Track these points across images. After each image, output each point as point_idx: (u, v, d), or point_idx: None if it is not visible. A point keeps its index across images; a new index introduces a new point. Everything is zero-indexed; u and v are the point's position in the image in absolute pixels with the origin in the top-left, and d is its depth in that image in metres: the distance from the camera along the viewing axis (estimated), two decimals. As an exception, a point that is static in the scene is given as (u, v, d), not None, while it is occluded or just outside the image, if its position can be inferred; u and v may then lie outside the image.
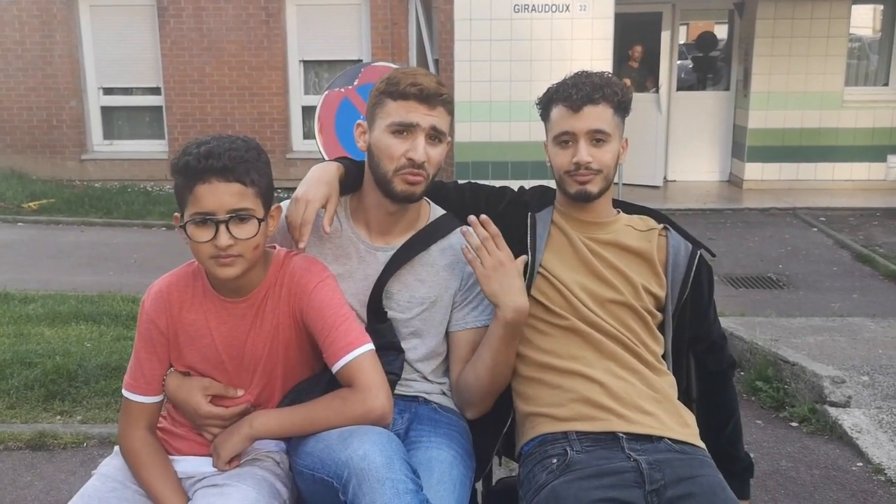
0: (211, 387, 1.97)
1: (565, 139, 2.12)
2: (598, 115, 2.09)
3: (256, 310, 1.95)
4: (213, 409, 1.95)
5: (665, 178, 10.80)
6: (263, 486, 1.87)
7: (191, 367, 1.99)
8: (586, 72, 2.16)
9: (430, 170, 2.00)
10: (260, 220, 1.85)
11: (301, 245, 1.98)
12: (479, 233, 1.98)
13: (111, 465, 2.01)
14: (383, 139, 1.99)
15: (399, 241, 2.10)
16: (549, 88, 2.18)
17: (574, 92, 2.10)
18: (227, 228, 1.80)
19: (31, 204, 9.58)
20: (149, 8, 10.80)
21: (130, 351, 4.10)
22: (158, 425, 2.05)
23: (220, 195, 1.79)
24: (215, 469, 1.92)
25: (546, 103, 2.18)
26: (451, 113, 2.04)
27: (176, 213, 1.90)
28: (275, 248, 2.01)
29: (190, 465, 1.99)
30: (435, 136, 2.00)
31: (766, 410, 4.15)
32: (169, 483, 1.93)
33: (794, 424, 3.99)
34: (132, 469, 1.96)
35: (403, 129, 1.97)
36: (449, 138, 2.07)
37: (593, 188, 2.12)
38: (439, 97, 1.99)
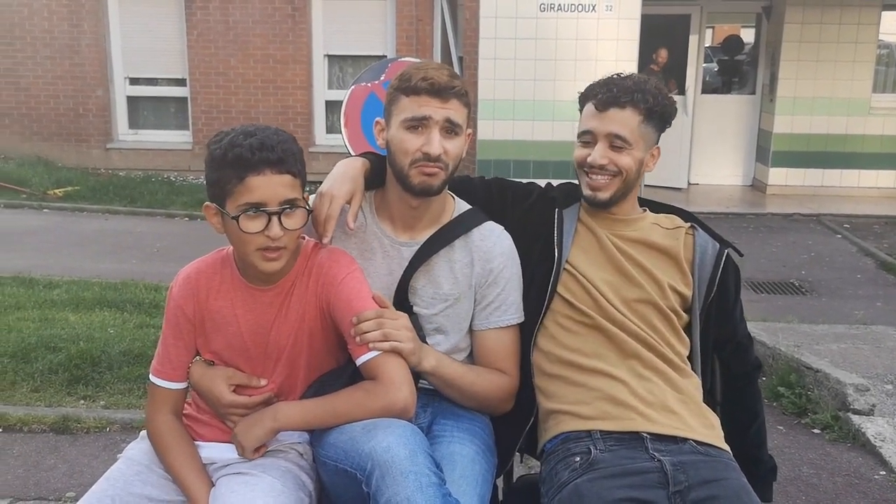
0: (234, 376, 1.98)
1: (586, 139, 2.12)
2: (622, 120, 2.08)
3: (283, 298, 1.96)
4: (236, 398, 1.96)
5: (688, 180, 10.74)
6: (288, 477, 1.88)
7: (216, 353, 2.00)
8: (627, 75, 2.14)
9: (448, 162, 1.99)
10: (308, 211, 1.87)
11: (325, 240, 1.98)
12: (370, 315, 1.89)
13: (137, 448, 2.03)
14: (399, 135, 1.99)
15: (423, 236, 2.10)
16: (588, 85, 2.18)
17: (603, 92, 2.09)
18: (280, 220, 1.81)
19: (56, 191, 9.67)
20: (176, -1, 10.88)
21: (153, 338, 4.13)
22: (184, 412, 2.06)
23: (273, 187, 1.80)
24: (240, 456, 1.93)
25: (582, 99, 2.18)
26: (466, 105, 2.02)
27: (207, 204, 1.90)
28: (304, 238, 2.01)
29: (214, 451, 2.00)
30: (451, 128, 1.98)
31: (788, 416, 4.12)
32: (193, 467, 1.94)
33: (816, 431, 3.96)
34: (158, 452, 1.98)
35: (417, 124, 1.97)
36: (469, 130, 2.06)
37: (603, 194, 2.11)
38: (451, 90, 1.97)
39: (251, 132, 1.82)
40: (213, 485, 1.93)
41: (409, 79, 1.97)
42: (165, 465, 1.96)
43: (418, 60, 4.71)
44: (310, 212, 1.90)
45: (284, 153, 1.81)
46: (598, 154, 2.08)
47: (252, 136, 1.81)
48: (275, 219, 1.81)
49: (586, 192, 2.13)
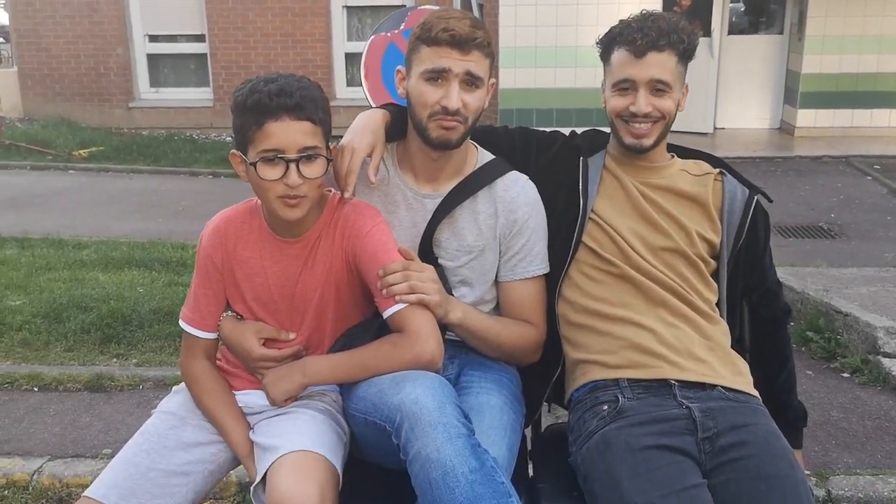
0: (263, 330, 2.00)
1: (625, 86, 2.05)
2: (662, 64, 2.01)
3: (310, 251, 1.96)
4: (265, 351, 1.98)
5: (714, 125, 10.57)
6: (327, 414, 1.93)
7: (245, 303, 2.02)
8: (653, 14, 2.06)
9: (467, 115, 1.96)
10: (328, 160, 1.87)
11: (346, 194, 1.96)
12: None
13: (171, 401, 2.07)
14: (418, 86, 1.96)
15: (446, 188, 2.08)
16: (612, 28, 2.09)
17: (639, 36, 2.01)
18: (298, 167, 1.81)
19: (81, 152, 9.74)
20: (193, -46, 10.78)
21: (182, 296, 4.16)
22: (217, 363, 2.09)
23: (292, 133, 1.79)
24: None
25: (608, 44, 2.10)
26: (489, 56, 1.97)
27: (234, 151, 1.90)
28: (330, 191, 2.01)
29: (249, 397, 2.04)
30: (471, 81, 1.94)
31: (817, 361, 4.10)
32: (231, 409, 1.99)
33: (845, 375, 3.94)
34: (195, 396, 2.03)
35: (437, 76, 1.93)
36: (492, 80, 2.02)
37: (648, 141, 2.07)
38: (473, 41, 1.91)
39: (273, 79, 1.81)
40: (251, 427, 1.98)
41: (430, 29, 1.93)
42: (202, 407, 2.01)
43: (438, 8, 4.62)
44: (329, 160, 1.88)
45: (303, 99, 1.80)
46: (643, 102, 2.02)
47: (273, 83, 1.80)
48: (293, 166, 1.80)
49: (628, 140, 2.08)
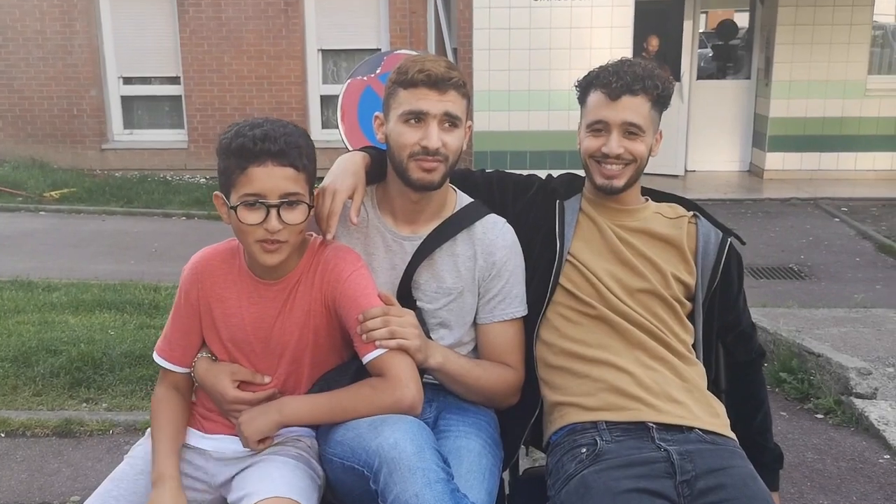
0: (238, 372, 1.98)
1: (598, 127, 2.09)
2: (635, 107, 2.06)
3: (288, 294, 1.96)
4: (239, 394, 1.96)
5: (685, 167, 10.73)
6: (300, 459, 1.90)
7: (221, 343, 2.00)
8: (630, 60, 2.12)
9: (447, 154, 1.97)
10: (309, 206, 1.87)
11: (328, 236, 1.97)
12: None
13: (142, 446, 2.04)
14: (397, 129, 1.97)
15: (426, 230, 2.09)
16: (590, 72, 2.15)
17: (615, 80, 2.06)
18: (278, 213, 1.81)
19: (52, 193, 9.65)
20: (168, -3, 10.83)
21: (154, 339, 4.11)
22: (192, 403, 2.08)
23: (274, 179, 1.80)
24: (248, 449, 1.93)
25: (585, 87, 2.15)
26: (465, 96, 2.00)
27: (217, 193, 1.91)
28: (312, 235, 2.01)
29: (223, 443, 2.01)
30: (449, 120, 1.96)
31: (791, 402, 4.12)
32: (167, 436, 1.96)
33: (819, 416, 3.97)
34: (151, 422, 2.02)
35: (415, 118, 1.95)
36: (469, 122, 2.04)
37: (619, 182, 2.10)
38: (449, 81, 1.94)
39: (259, 124, 1.83)
40: (233, 477, 1.95)
41: (405, 71, 1.96)
42: (151, 431, 2.00)
43: (415, 53, 4.69)
44: (311, 207, 1.89)
45: (287, 145, 1.81)
46: (615, 143, 2.07)
47: (258, 128, 1.81)
48: (273, 211, 1.81)
49: (600, 180, 2.12)
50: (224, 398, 1.96)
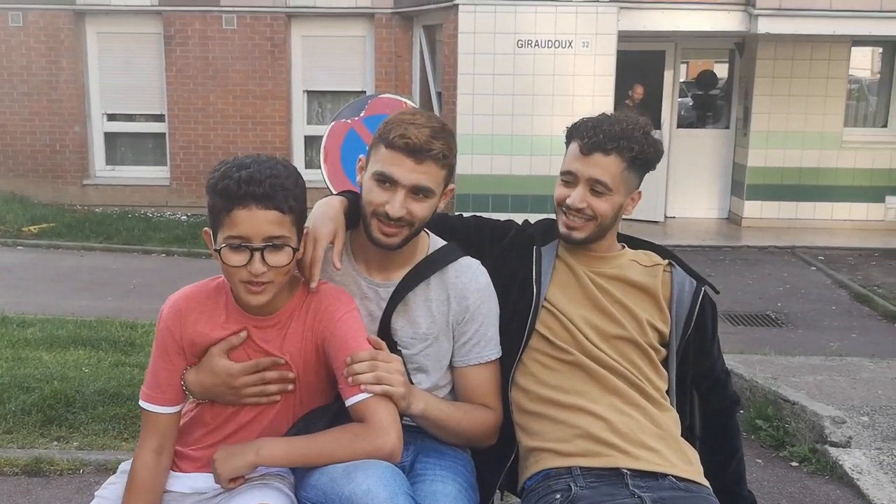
0: (227, 343, 1.92)
1: (568, 178, 2.12)
2: (605, 166, 2.07)
3: (279, 331, 1.94)
4: (243, 365, 1.90)
5: (665, 214, 10.84)
6: (281, 494, 1.87)
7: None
8: (613, 117, 2.11)
9: (413, 221, 1.96)
10: (294, 249, 1.85)
11: (312, 285, 1.94)
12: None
13: (111, 489, 2.00)
14: (369, 184, 1.97)
15: (398, 276, 2.08)
16: (575, 122, 2.16)
17: (590, 135, 2.07)
18: (262, 256, 1.80)
19: (31, 228, 9.59)
20: (155, 36, 10.90)
21: (129, 377, 4.03)
22: None
23: (258, 222, 1.78)
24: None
25: (568, 135, 2.17)
26: (445, 167, 1.97)
27: (206, 229, 1.90)
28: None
29: (200, 481, 1.98)
30: (420, 192, 1.94)
31: (766, 449, 4.13)
32: None
33: (794, 464, 3.97)
34: (125, 489, 1.94)
35: (385, 180, 1.93)
36: (451, 185, 2.03)
37: (578, 234, 2.12)
38: (428, 152, 1.91)
39: (246, 164, 1.81)
40: None
41: (389, 130, 1.94)
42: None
43: (399, 97, 4.74)
44: (295, 251, 1.86)
45: (273, 188, 1.78)
46: (577, 197, 2.08)
47: (244, 169, 1.79)
48: (257, 254, 1.79)
49: (562, 229, 2.15)
50: (232, 377, 1.90)
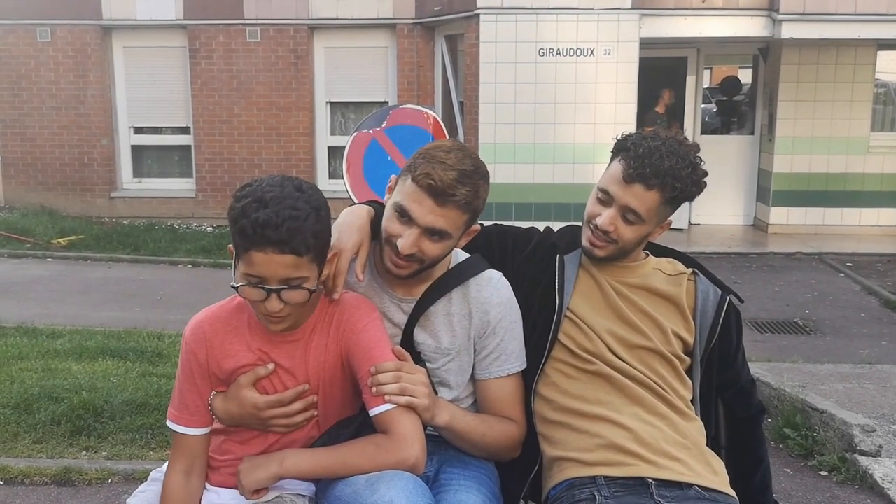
0: (254, 374, 1.92)
1: (603, 197, 2.09)
2: (643, 198, 2.03)
3: (303, 344, 1.94)
4: (268, 398, 1.91)
5: (690, 221, 10.77)
6: None
7: None
8: (666, 148, 2.02)
9: (423, 258, 1.94)
10: (311, 291, 1.81)
11: (335, 296, 1.93)
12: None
13: (140, 497, 2.02)
14: (388, 212, 1.96)
15: (420, 291, 2.07)
16: (630, 135, 2.10)
17: (636, 165, 2.01)
18: (279, 295, 1.78)
19: (60, 240, 9.73)
20: (180, 49, 11.05)
21: (156, 387, 4.06)
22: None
23: (273, 266, 1.74)
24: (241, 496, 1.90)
25: (616, 150, 2.11)
26: (468, 211, 1.92)
27: (230, 246, 1.87)
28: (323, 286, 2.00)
29: (225, 496, 1.99)
30: (436, 234, 1.91)
31: (795, 459, 4.09)
32: None
33: (823, 473, 3.92)
34: None
35: (403, 214, 1.91)
36: (476, 226, 2.00)
37: (599, 252, 2.11)
38: (451, 197, 1.86)
39: (266, 202, 1.73)
40: None
41: (417, 165, 1.90)
42: None
43: (419, 108, 4.75)
44: (312, 292, 1.82)
45: (290, 233, 1.72)
46: (607, 220, 2.06)
47: (264, 208, 1.72)
48: (273, 294, 1.78)
49: (584, 243, 2.14)
50: (257, 409, 1.91)
